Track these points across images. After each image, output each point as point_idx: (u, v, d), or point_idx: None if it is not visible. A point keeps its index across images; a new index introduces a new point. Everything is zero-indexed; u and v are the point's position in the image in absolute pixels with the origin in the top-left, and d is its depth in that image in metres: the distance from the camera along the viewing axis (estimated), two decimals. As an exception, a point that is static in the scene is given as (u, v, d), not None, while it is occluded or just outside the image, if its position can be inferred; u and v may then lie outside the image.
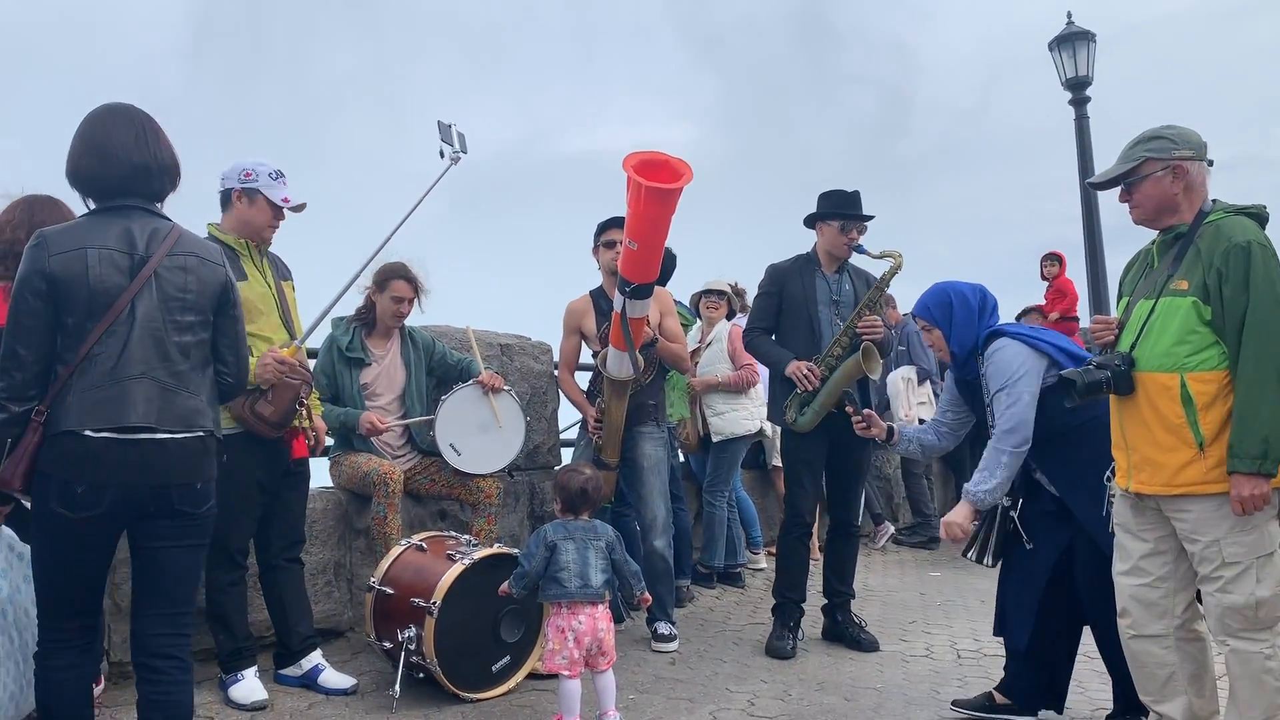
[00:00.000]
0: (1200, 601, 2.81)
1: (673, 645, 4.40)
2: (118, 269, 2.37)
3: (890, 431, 3.75)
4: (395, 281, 4.37)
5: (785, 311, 4.48)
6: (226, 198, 3.50)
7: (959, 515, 3.30)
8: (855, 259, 4.53)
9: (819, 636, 4.60)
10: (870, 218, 4.47)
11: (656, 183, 3.72)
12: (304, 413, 3.39)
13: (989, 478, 3.18)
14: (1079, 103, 10.42)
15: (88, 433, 2.30)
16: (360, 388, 4.35)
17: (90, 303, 2.34)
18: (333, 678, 3.65)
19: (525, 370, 5.27)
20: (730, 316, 6.02)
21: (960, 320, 3.33)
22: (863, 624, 4.57)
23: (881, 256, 4.45)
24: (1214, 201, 2.79)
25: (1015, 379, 3.14)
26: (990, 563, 3.41)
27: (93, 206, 2.51)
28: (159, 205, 2.55)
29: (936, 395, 7.14)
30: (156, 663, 2.45)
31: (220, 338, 2.59)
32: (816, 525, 5.26)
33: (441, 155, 3.63)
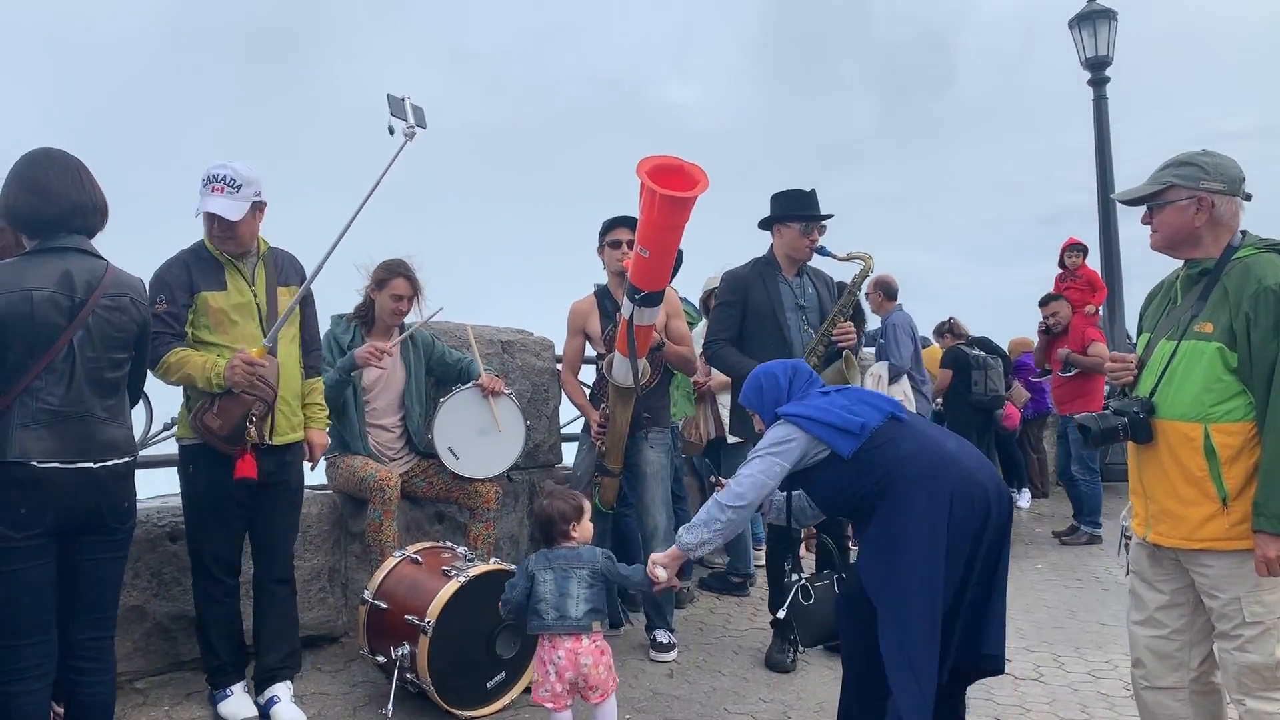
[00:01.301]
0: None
1: (671, 655, 4.34)
2: (58, 310, 2.56)
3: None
4: (395, 280, 4.27)
5: (750, 319, 4.34)
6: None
7: (666, 558, 3.02)
8: (815, 260, 4.40)
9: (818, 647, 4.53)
10: (829, 216, 4.35)
11: (671, 190, 3.58)
12: (253, 431, 3.25)
13: (702, 533, 2.90)
14: (1098, 83, 10.16)
15: (34, 463, 2.51)
16: (360, 389, 4.26)
17: (32, 341, 2.52)
18: (283, 712, 3.42)
19: (527, 367, 5.16)
20: None
21: (769, 401, 3.09)
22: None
23: (849, 259, 4.33)
24: (1243, 234, 2.63)
25: (763, 451, 2.91)
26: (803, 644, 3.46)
27: (30, 244, 2.66)
28: (90, 241, 2.72)
29: (920, 393, 7.02)
30: (83, 664, 2.70)
31: (135, 368, 2.85)
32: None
33: (391, 131, 3.26)
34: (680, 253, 5.22)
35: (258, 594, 3.54)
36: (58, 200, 2.63)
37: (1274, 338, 2.40)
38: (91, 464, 2.60)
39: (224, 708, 3.41)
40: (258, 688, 3.49)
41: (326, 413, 3.77)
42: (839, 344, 4.20)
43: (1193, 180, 2.59)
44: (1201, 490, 2.52)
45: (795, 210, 4.32)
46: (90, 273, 2.64)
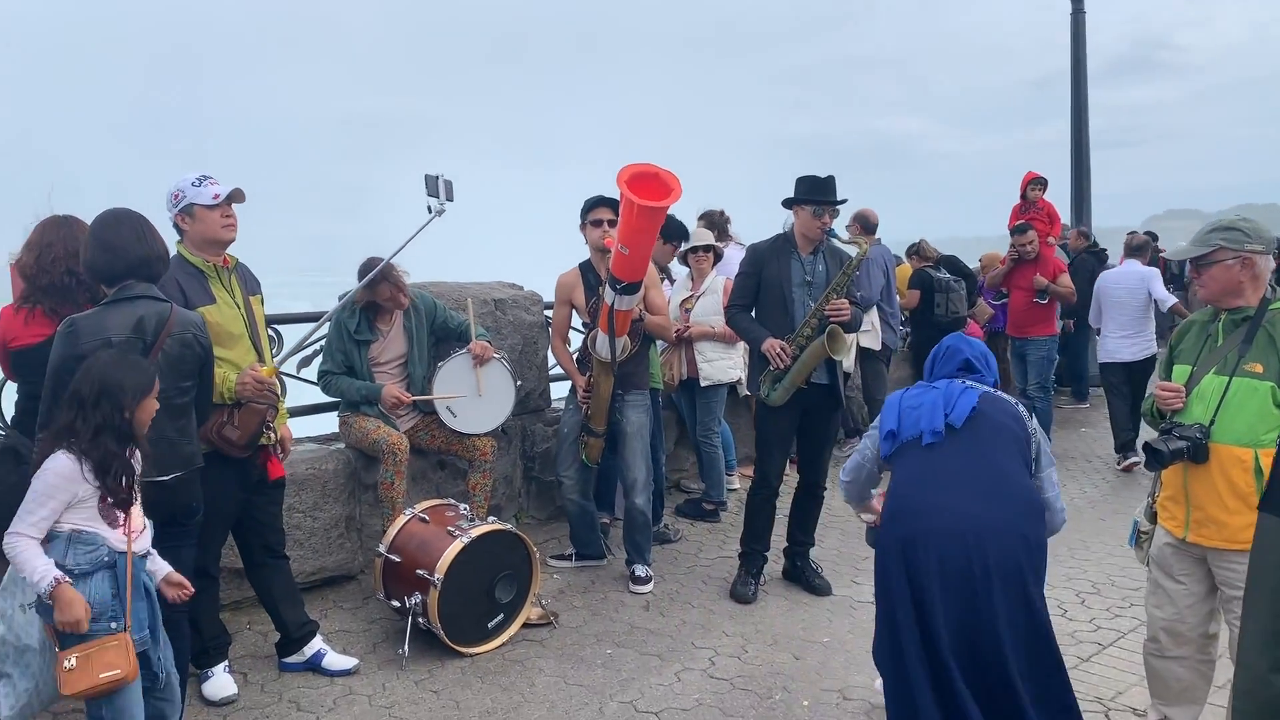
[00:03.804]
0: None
1: (648, 587, 4.95)
2: (134, 351, 2.98)
3: None
4: (379, 286, 4.60)
5: (763, 290, 4.79)
6: (177, 228, 3.61)
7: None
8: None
9: (780, 576, 5.15)
10: (843, 201, 4.73)
11: (646, 200, 3.97)
12: (270, 434, 3.68)
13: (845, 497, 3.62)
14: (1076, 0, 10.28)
15: None
16: (369, 360, 4.73)
17: None
18: (335, 660, 3.96)
19: (518, 322, 5.61)
20: (720, 255, 6.24)
21: (924, 376, 3.50)
22: (819, 569, 5.10)
23: (850, 243, 4.73)
24: (1272, 287, 3.10)
25: (869, 431, 3.48)
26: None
27: (109, 293, 3.11)
28: (156, 286, 3.17)
29: (887, 325, 7.51)
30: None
31: (201, 391, 3.32)
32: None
33: (429, 210, 3.74)
34: (683, 226, 5.69)
35: (260, 572, 3.91)
36: (125, 255, 3.07)
37: None
38: (166, 478, 3.08)
39: (207, 688, 3.71)
40: (295, 647, 3.97)
41: (367, 397, 4.39)
42: (831, 319, 4.60)
43: (1238, 243, 3.05)
44: (1246, 502, 3.00)
45: (809, 194, 4.69)
46: (158, 315, 3.08)
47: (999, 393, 3.27)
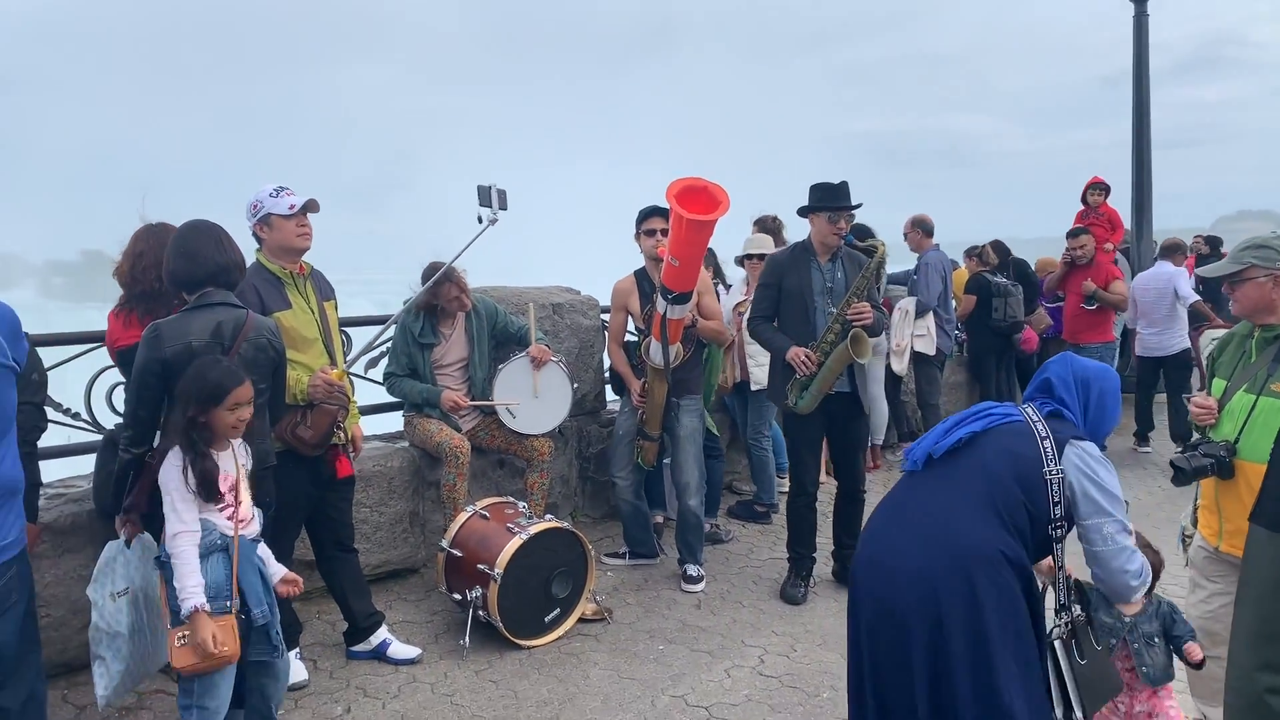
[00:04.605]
0: None
1: (699, 586, 5.08)
2: (212, 354, 3.14)
3: None
4: (443, 287, 4.81)
5: (784, 300, 4.88)
6: (256, 237, 3.82)
7: None
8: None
9: (829, 577, 5.24)
10: (857, 206, 4.83)
11: (696, 214, 4.11)
12: (341, 434, 3.86)
13: None
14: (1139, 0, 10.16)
15: None
16: (431, 363, 4.93)
17: None
18: (400, 650, 4.17)
19: (575, 326, 5.77)
20: None
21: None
22: (867, 572, 5.19)
23: (866, 247, 4.82)
24: None
25: None
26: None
27: (188, 299, 3.27)
28: (233, 293, 3.34)
29: (942, 330, 7.56)
30: None
31: (275, 393, 3.47)
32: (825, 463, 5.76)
33: (480, 220, 3.88)
34: (713, 254, 5.83)
35: (331, 565, 4.13)
36: (205, 263, 3.23)
37: None
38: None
39: None
40: (362, 636, 4.18)
41: (424, 398, 4.52)
42: (854, 322, 4.71)
43: (1270, 261, 3.12)
44: None
45: (823, 201, 4.79)
46: (235, 321, 3.24)
47: (1038, 424, 2.75)
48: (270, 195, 3.76)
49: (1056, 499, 2.64)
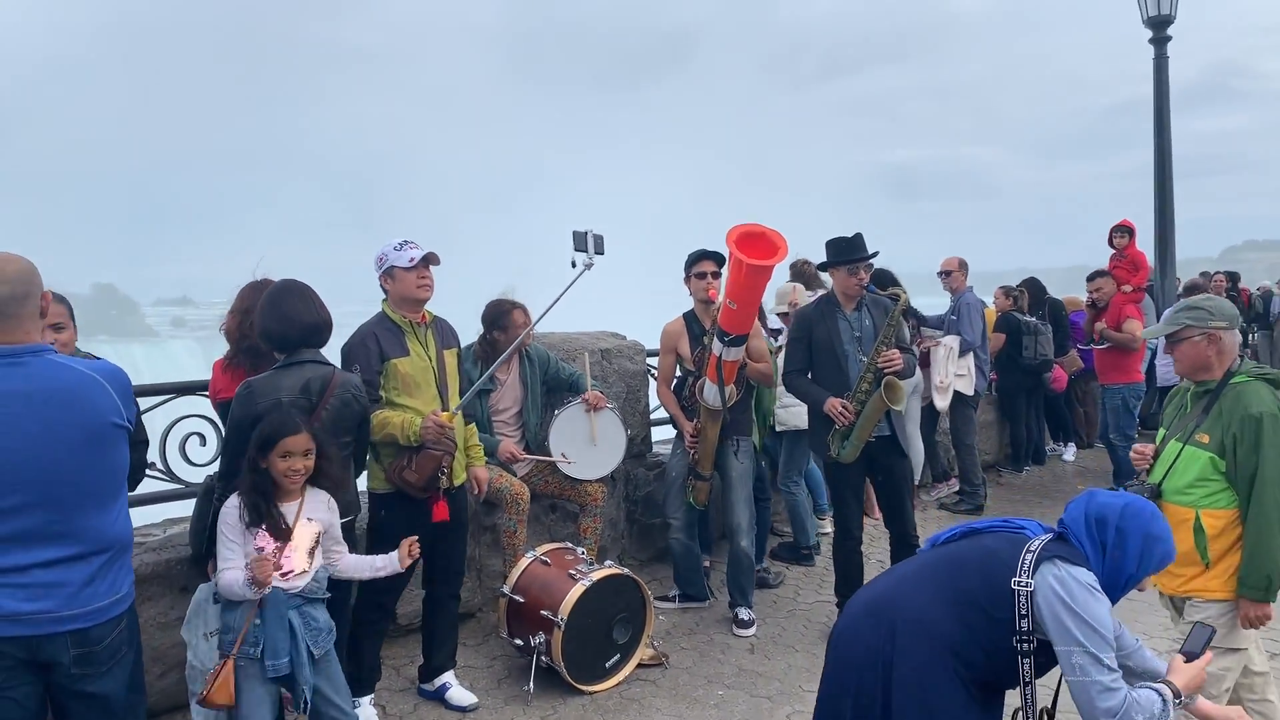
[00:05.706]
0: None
1: (751, 630, 5.11)
2: (301, 412, 3.30)
3: None
4: (512, 314, 4.97)
5: (816, 352, 4.98)
6: (382, 288, 4.00)
7: None
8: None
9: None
10: (874, 255, 4.95)
11: (755, 260, 4.21)
12: (446, 478, 3.94)
13: None
14: (1159, 42, 10.29)
15: None
16: (489, 409, 5.01)
17: None
18: (458, 695, 4.24)
19: (622, 371, 5.86)
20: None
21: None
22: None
23: (888, 295, 4.94)
24: (1240, 359, 3.36)
25: None
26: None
27: (280, 358, 3.46)
28: (321, 352, 3.55)
29: (980, 371, 7.63)
30: None
31: (359, 445, 3.66)
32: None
33: (574, 265, 3.94)
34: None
35: (435, 607, 4.24)
36: (296, 323, 3.43)
37: (1254, 453, 3.15)
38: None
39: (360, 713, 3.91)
40: (426, 677, 4.28)
41: (483, 450, 4.49)
42: (885, 370, 4.77)
43: (1202, 321, 3.33)
44: (1190, 559, 3.27)
45: (841, 256, 4.91)
46: (322, 378, 3.43)
47: (1036, 539, 2.65)
48: (394, 249, 3.95)
49: (1024, 611, 2.53)
